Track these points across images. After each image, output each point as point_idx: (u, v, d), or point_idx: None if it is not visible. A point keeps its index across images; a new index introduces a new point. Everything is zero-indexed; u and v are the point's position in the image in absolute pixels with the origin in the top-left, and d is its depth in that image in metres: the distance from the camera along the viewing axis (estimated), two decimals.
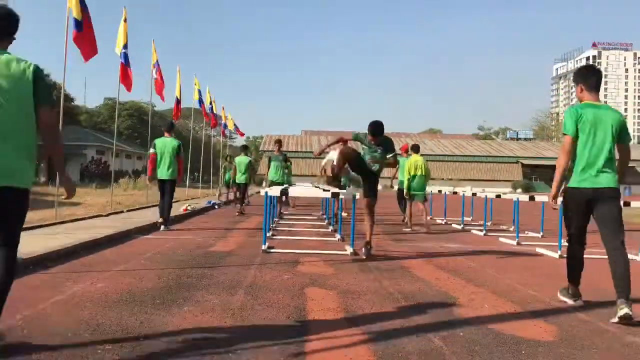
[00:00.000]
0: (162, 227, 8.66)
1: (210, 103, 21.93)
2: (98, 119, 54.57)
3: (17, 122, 2.58)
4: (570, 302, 4.14)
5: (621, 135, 3.97)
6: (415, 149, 10.61)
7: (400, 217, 11.62)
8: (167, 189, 8.65)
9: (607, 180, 3.91)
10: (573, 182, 4.02)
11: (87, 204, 13.21)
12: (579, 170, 3.97)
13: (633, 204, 7.39)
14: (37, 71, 2.66)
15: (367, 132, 6.46)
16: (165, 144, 8.64)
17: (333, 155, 10.67)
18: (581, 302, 4.12)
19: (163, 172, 8.60)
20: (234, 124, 29.11)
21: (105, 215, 10.23)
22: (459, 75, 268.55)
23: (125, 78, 11.65)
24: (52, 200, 9.51)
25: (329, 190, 6.67)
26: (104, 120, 53.90)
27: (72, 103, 45.96)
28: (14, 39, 2.83)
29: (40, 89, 2.64)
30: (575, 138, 3.96)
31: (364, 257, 6.19)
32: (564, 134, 4.05)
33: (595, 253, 7.29)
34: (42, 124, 2.64)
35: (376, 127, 6.40)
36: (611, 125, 3.91)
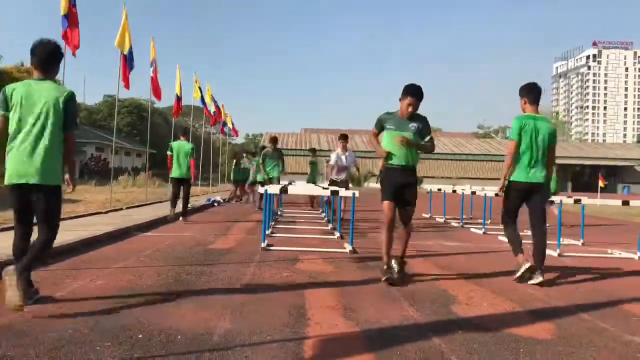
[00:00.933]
0: (180, 218, 9.68)
1: (213, 100, 21.87)
2: (97, 116, 54.52)
3: (52, 134, 3.46)
4: (524, 268, 4.75)
5: (551, 140, 5.01)
6: None
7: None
8: (183, 187, 9.79)
9: (540, 177, 4.97)
10: (515, 177, 5.02)
11: (86, 201, 13.19)
12: (521, 167, 4.97)
13: (632, 202, 7.40)
14: (68, 101, 3.51)
15: (400, 98, 4.88)
16: (180, 147, 9.67)
17: (333, 156, 10.59)
18: (531, 263, 4.80)
19: (181, 172, 9.65)
20: (232, 122, 29.08)
21: (104, 213, 10.23)
22: (458, 74, 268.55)
23: (125, 76, 11.71)
24: None
25: (327, 188, 6.67)
26: (104, 117, 53.83)
27: None
28: (58, 67, 3.73)
29: (67, 117, 3.51)
30: (519, 143, 4.97)
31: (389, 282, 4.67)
32: (511, 139, 5.05)
33: (593, 251, 7.31)
34: (64, 140, 3.57)
35: (417, 89, 4.85)
36: (547, 133, 4.98)
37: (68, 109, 3.48)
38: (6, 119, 3.43)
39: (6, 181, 3.42)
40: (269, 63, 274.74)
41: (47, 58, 3.53)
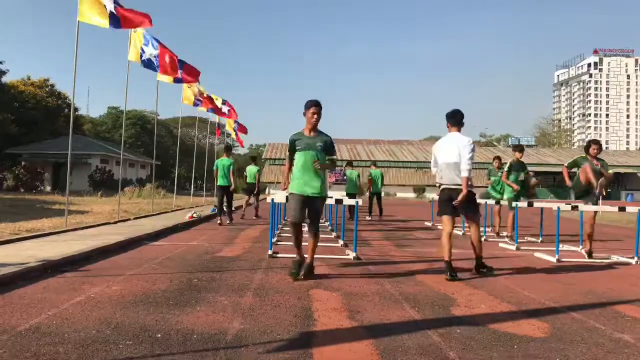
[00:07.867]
0: (227, 222, 12.09)
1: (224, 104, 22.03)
2: (102, 128, 55.08)
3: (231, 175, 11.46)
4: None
5: None
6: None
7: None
8: (227, 194, 12.09)
9: None
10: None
11: (94, 212, 13.44)
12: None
13: (628, 209, 7.59)
14: (233, 163, 11.44)
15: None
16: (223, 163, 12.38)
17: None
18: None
19: (223, 182, 11.95)
20: (235, 133, 29.42)
21: (113, 223, 10.46)
22: (459, 83, 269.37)
23: (172, 69, 11.75)
24: (59, 209, 9.74)
25: (332, 197, 6.88)
26: (108, 129, 54.35)
27: (77, 113, 46.58)
28: (230, 152, 11.95)
29: (232, 167, 11.38)
30: None
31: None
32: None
33: (593, 257, 7.48)
34: (232, 174, 11.63)
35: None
36: None
37: (232, 165, 11.19)
38: (217, 170, 11.10)
39: (218, 183, 11.31)
40: (270, 72, 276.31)
41: (226, 150, 11.62)
